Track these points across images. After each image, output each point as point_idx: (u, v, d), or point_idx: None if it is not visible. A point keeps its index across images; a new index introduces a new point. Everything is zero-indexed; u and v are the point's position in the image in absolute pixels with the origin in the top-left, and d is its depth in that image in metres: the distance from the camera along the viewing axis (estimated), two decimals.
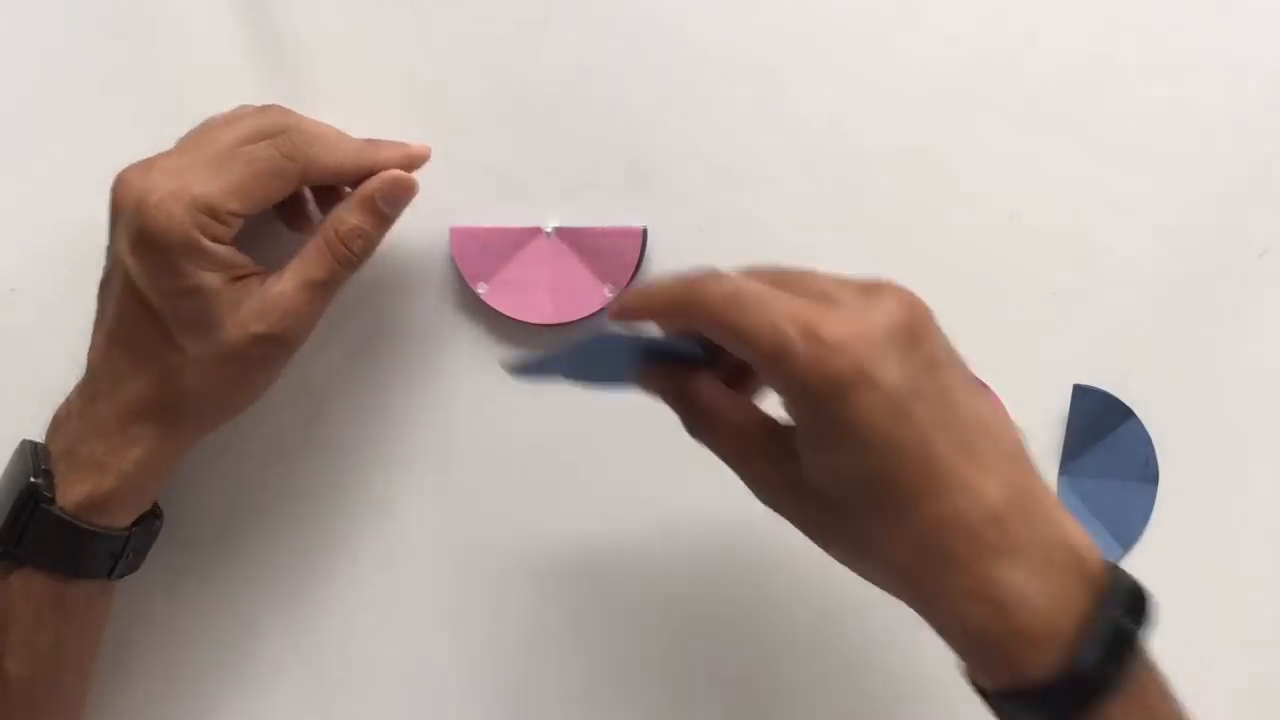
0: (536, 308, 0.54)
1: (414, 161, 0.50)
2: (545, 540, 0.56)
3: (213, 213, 0.46)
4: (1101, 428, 0.54)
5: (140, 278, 0.46)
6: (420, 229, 0.53)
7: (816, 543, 0.42)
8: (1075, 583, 0.38)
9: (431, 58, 0.55)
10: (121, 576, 0.50)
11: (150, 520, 0.51)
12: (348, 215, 0.49)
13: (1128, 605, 0.38)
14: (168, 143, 0.50)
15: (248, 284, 0.48)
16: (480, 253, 0.54)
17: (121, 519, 0.49)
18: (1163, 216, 0.54)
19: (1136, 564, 0.54)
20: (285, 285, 0.48)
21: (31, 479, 0.47)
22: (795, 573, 0.54)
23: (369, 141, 0.50)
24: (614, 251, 0.53)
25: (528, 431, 0.56)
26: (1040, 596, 0.38)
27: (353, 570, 0.56)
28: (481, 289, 0.54)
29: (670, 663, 0.55)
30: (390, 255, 0.53)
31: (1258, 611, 0.55)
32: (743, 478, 0.42)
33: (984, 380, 0.43)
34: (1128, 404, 0.54)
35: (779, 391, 0.40)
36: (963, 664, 0.40)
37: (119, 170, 0.48)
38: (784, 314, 0.39)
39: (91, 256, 0.50)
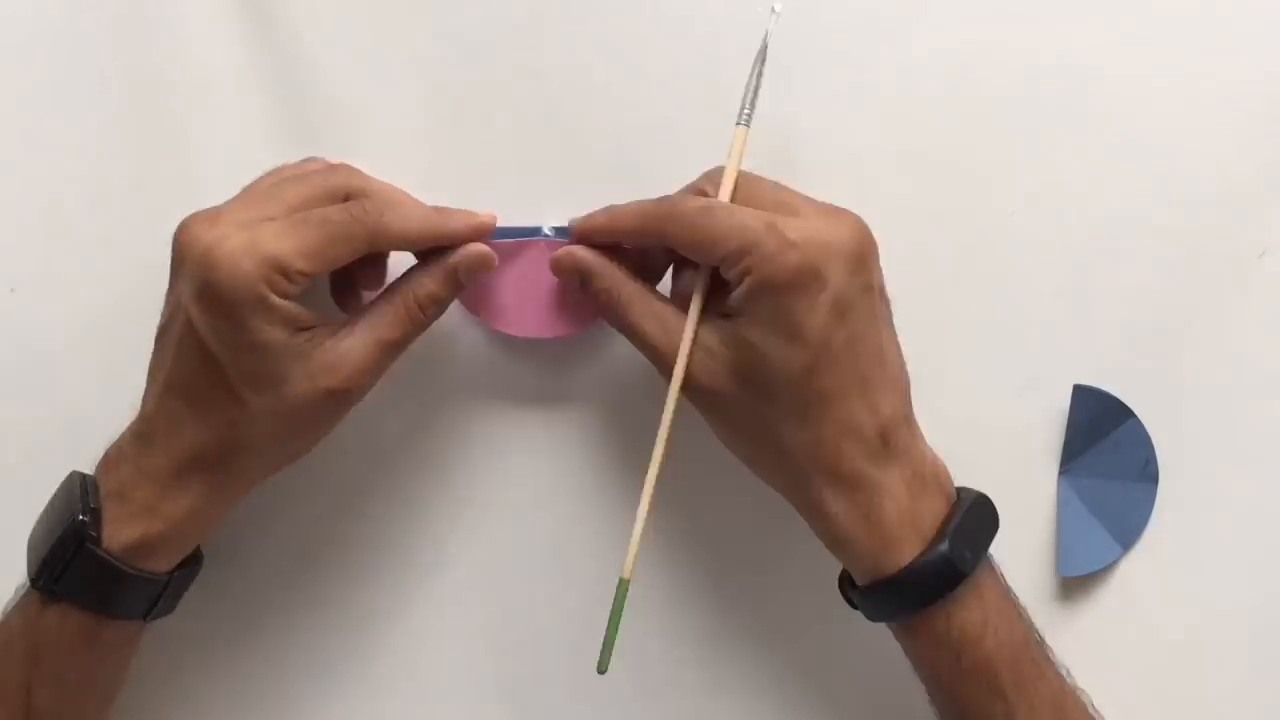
0: (536, 321, 0.53)
1: (482, 231, 0.50)
2: (556, 558, 0.55)
3: (283, 271, 0.45)
4: (1102, 427, 0.54)
5: (204, 329, 0.46)
6: None
7: (721, 427, 0.48)
8: (936, 494, 0.47)
9: (430, 58, 0.54)
10: (156, 619, 0.50)
11: (191, 565, 0.51)
12: (428, 281, 0.49)
13: (977, 514, 0.47)
14: (162, 145, 0.49)
15: (313, 336, 0.47)
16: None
17: (164, 564, 0.48)
18: (1163, 216, 0.54)
19: (1136, 565, 0.55)
20: (357, 342, 0.47)
21: (80, 517, 0.47)
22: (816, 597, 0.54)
23: (438, 210, 0.50)
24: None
25: (531, 457, 0.55)
26: (907, 498, 0.46)
27: (372, 617, 0.56)
28: (475, 302, 0.53)
29: None
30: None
31: (1259, 612, 0.55)
32: (662, 360, 0.47)
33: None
34: (1128, 404, 0.54)
35: (739, 284, 0.45)
36: (840, 579, 0.49)
37: (183, 216, 0.47)
38: (752, 217, 0.45)
39: (92, 258, 0.50)
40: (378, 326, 0.48)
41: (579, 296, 0.51)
